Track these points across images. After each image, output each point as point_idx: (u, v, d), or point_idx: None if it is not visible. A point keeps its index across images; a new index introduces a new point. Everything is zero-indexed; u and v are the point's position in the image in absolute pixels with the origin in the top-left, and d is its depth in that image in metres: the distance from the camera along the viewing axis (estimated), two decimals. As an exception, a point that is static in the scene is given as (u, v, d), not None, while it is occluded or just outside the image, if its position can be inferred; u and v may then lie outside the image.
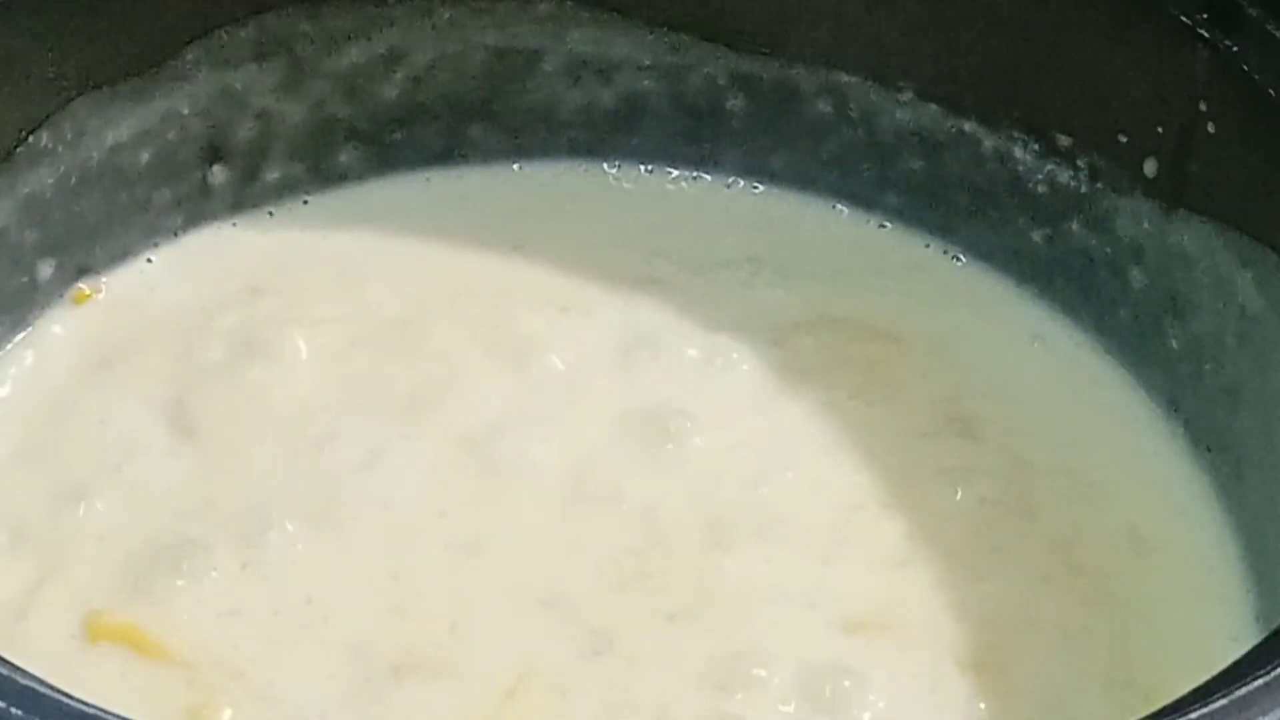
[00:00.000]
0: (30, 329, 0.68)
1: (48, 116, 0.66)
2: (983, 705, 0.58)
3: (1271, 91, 0.61)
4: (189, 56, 0.68)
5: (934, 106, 0.71)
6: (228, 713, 0.57)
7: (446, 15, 0.71)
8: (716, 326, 0.69)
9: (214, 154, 0.70)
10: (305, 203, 0.72)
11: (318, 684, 0.58)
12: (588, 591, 0.61)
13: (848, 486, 0.64)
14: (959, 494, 0.64)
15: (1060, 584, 0.62)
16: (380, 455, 0.64)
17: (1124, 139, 0.67)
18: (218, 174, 0.71)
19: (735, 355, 0.68)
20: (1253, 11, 0.62)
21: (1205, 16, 0.63)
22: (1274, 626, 0.53)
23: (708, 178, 0.74)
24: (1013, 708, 0.58)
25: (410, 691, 0.58)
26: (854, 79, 0.71)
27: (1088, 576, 0.62)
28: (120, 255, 0.69)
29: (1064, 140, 0.69)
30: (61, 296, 0.68)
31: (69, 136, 0.67)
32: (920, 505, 0.64)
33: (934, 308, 0.70)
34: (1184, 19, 0.64)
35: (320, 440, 0.64)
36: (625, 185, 0.74)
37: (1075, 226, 0.69)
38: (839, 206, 0.73)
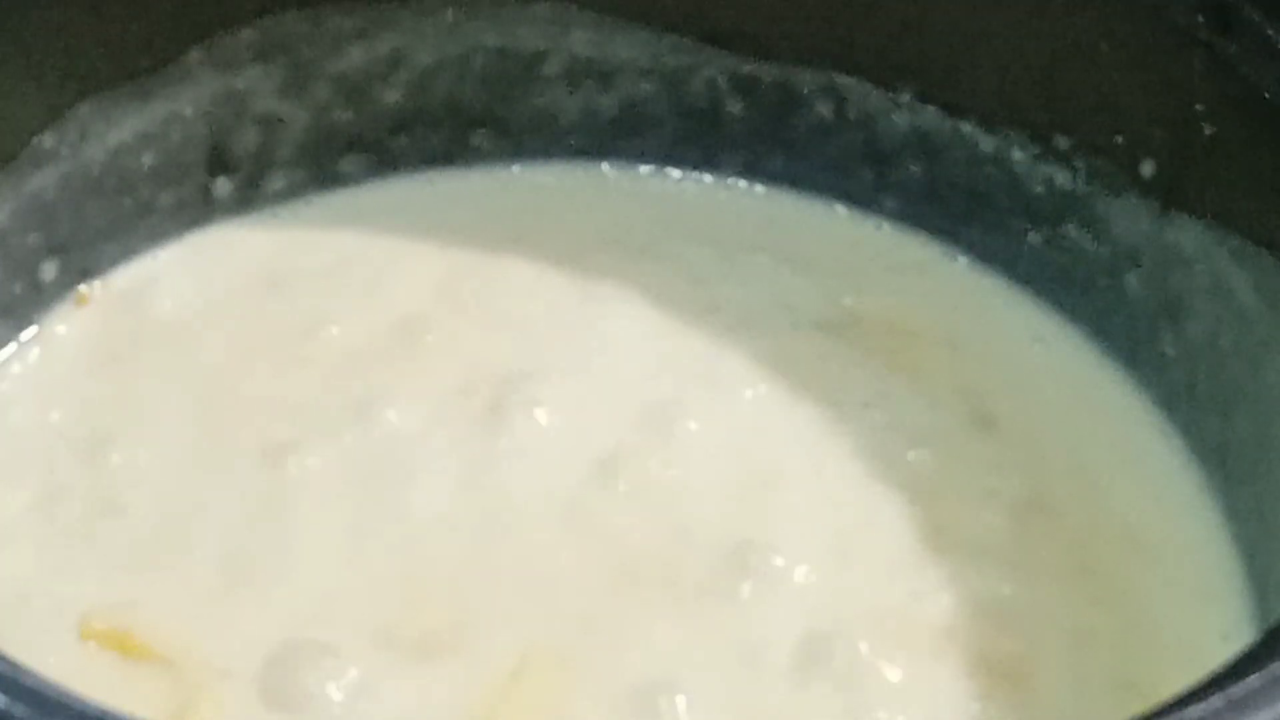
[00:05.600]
0: (34, 329, 0.68)
1: (51, 119, 0.66)
2: (1001, 711, 0.59)
3: (1268, 93, 0.61)
4: (191, 59, 0.68)
5: (932, 108, 0.71)
6: (206, 706, 0.58)
7: (448, 17, 0.71)
8: (727, 322, 0.69)
9: (217, 156, 0.70)
10: (308, 204, 0.72)
11: (330, 675, 0.58)
12: (595, 587, 0.61)
13: (870, 483, 0.64)
14: (986, 492, 0.64)
15: (1074, 585, 0.62)
16: (382, 454, 0.64)
17: (1121, 140, 0.67)
18: (221, 175, 0.71)
19: (748, 351, 0.68)
20: (1250, 14, 0.62)
21: (1202, 19, 0.63)
22: (1269, 626, 0.53)
23: (708, 179, 0.74)
24: (1032, 714, 0.59)
25: (428, 670, 0.58)
26: (853, 81, 0.71)
27: (1096, 577, 0.62)
28: (124, 256, 0.70)
29: (1062, 142, 0.69)
30: (65, 297, 0.68)
31: (72, 138, 0.67)
32: (945, 502, 0.64)
33: (938, 308, 0.70)
34: (1181, 21, 0.64)
35: (323, 440, 0.65)
36: (625, 186, 0.74)
37: (1073, 228, 0.69)
38: (838, 207, 0.73)
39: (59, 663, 0.57)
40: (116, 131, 0.68)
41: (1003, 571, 0.62)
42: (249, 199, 0.72)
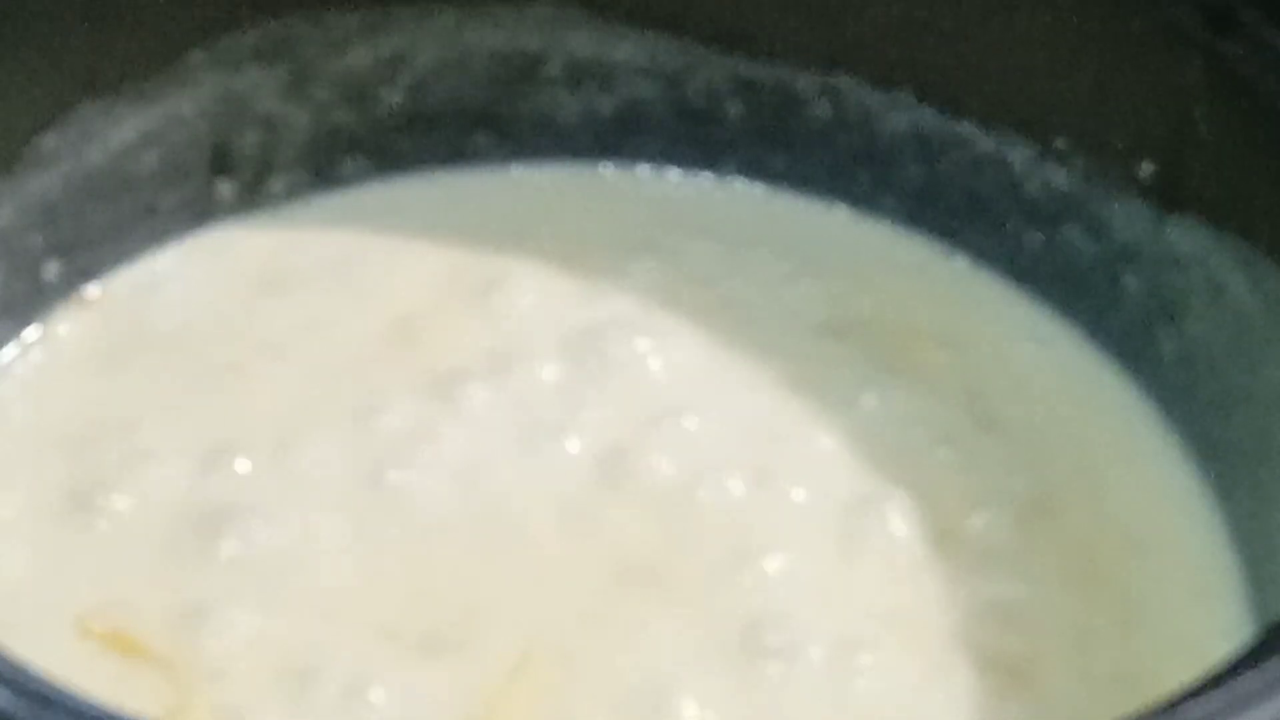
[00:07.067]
0: (36, 330, 0.68)
1: (53, 119, 0.66)
2: (1005, 710, 0.59)
3: (1265, 95, 0.61)
4: (193, 60, 0.68)
5: (932, 108, 0.71)
6: (202, 706, 0.58)
7: (448, 18, 0.71)
8: (727, 322, 0.69)
9: (219, 157, 0.71)
10: (309, 204, 0.72)
11: (330, 673, 0.59)
12: (596, 585, 0.61)
13: (872, 484, 0.64)
14: (989, 493, 0.64)
15: (1075, 584, 0.62)
16: (383, 454, 0.64)
17: (1120, 142, 0.67)
18: (223, 176, 0.71)
19: (748, 351, 0.68)
20: (1246, 16, 0.62)
21: (1200, 20, 0.63)
22: (1267, 625, 0.53)
23: (708, 179, 0.74)
24: (1036, 712, 0.59)
25: (428, 668, 0.59)
26: (853, 81, 0.71)
27: (1097, 576, 0.63)
28: (126, 256, 0.70)
29: (1060, 143, 0.69)
30: (67, 298, 0.68)
31: (74, 139, 0.67)
32: (949, 503, 0.64)
33: (938, 308, 0.70)
34: (1179, 22, 0.64)
35: (324, 440, 0.65)
36: (625, 186, 0.74)
37: (1071, 228, 0.69)
38: (838, 207, 0.73)
39: (56, 662, 0.56)
40: (118, 132, 0.68)
41: (1005, 571, 0.62)
42: (250, 200, 0.72)
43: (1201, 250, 0.65)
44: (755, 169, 0.74)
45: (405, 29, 0.71)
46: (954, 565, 0.62)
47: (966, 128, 0.71)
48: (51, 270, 0.68)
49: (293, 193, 0.72)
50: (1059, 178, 0.69)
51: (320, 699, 0.58)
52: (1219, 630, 0.60)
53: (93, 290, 0.69)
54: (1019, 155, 0.70)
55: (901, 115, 0.71)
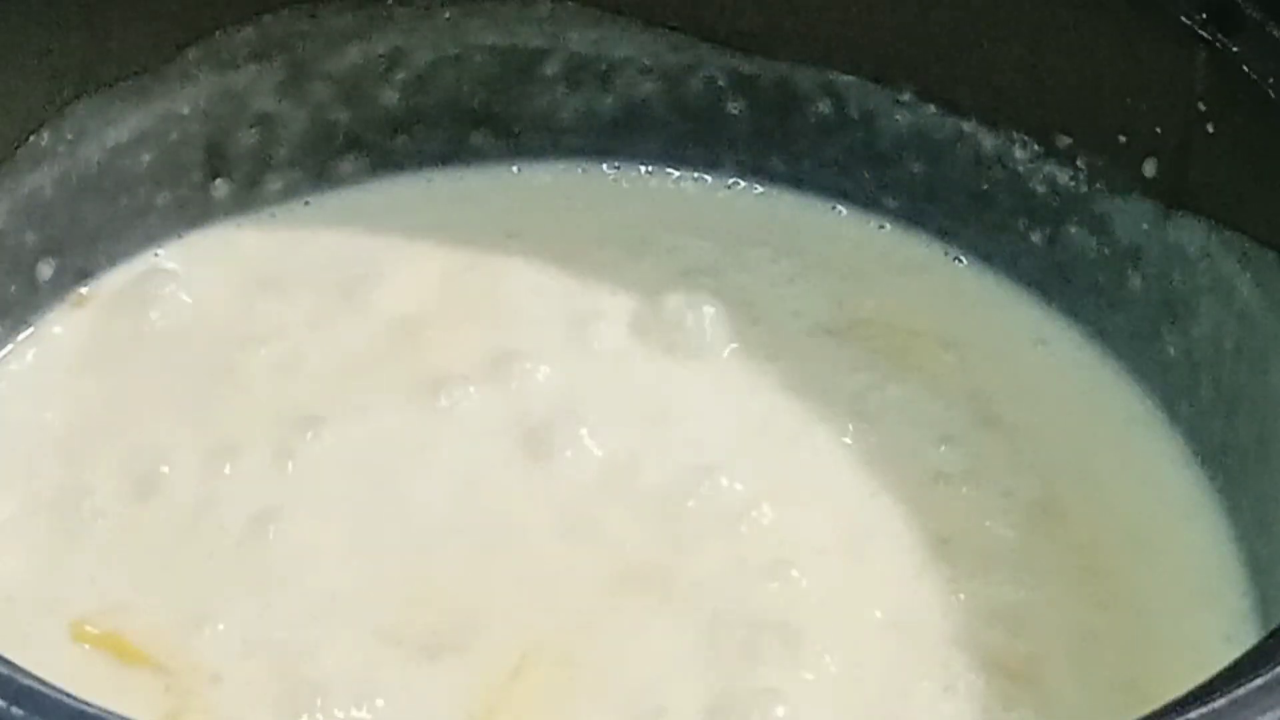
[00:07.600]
0: (31, 330, 0.68)
1: (48, 117, 0.66)
2: (1009, 712, 0.59)
3: (1271, 92, 0.61)
4: (189, 57, 0.68)
5: (933, 107, 0.71)
6: (199, 710, 0.57)
7: (446, 16, 0.71)
8: (727, 323, 0.69)
9: (215, 155, 0.70)
10: (306, 204, 0.72)
11: (329, 676, 0.58)
12: (595, 587, 0.61)
13: (876, 486, 0.64)
14: (993, 494, 0.64)
15: (1079, 587, 0.62)
16: (383, 455, 0.64)
17: (1124, 139, 0.67)
18: (219, 175, 0.71)
19: (748, 352, 0.68)
20: (1252, 12, 0.62)
21: (1205, 17, 0.63)
22: (1271, 628, 0.53)
23: (708, 179, 0.74)
24: (1039, 715, 0.58)
25: (428, 670, 0.59)
26: (853, 80, 0.71)
27: (1100, 579, 0.62)
28: (122, 256, 0.70)
29: (1064, 141, 0.69)
30: (62, 298, 0.68)
31: (69, 137, 0.67)
32: (952, 505, 0.64)
33: (939, 309, 0.70)
34: (1184, 19, 0.64)
35: (323, 442, 0.65)
36: (625, 186, 0.74)
37: (1075, 228, 0.69)
38: (839, 208, 0.73)
39: (51, 666, 0.56)
40: (114, 131, 0.68)
41: (1008, 574, 0.62)
42: (247, 199, 0.71)
43: (1206, 249, 0.65)
44: (755, 169, 0.74)
45: (403, 26, 0.71)
46: (956, 568, 0.62)
47: (968, 126, 0.70)
48: (46, 270, 0.68)
49: (289, 192, 0.72)
50: (1062, 176, 0.69)
51: (320, 703, 0.58)
52: (1223, 633, 0.60)
53: (88, 290, 0.69)
54: (1021, 154, 0.70)
55: (903, 114, 0.71)
